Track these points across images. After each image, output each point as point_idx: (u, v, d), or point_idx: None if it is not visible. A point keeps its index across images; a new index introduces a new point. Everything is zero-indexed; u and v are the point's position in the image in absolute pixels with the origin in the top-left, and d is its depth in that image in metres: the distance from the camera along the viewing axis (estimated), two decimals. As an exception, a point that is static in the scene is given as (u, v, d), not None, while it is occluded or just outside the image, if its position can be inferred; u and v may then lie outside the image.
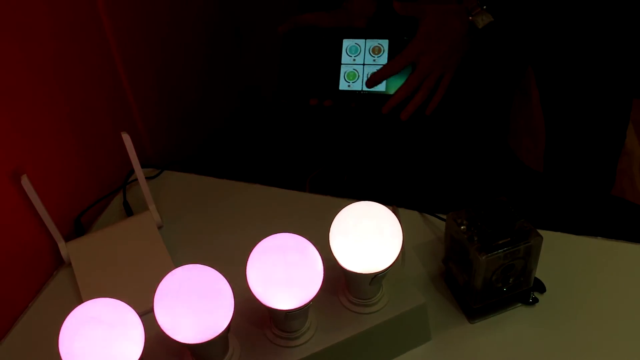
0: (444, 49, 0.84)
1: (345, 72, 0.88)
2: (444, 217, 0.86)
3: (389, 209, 0.63)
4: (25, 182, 0.75)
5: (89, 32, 0.88)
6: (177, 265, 0.82)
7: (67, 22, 0.83)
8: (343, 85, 0.88)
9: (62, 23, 0.82)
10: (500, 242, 0.67)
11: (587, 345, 0.71)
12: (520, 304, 0.75)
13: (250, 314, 0.68)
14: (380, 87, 0.87)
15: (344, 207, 0.64)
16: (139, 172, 0.84)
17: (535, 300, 0.75)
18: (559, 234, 0.83)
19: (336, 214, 0.64)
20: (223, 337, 0.60)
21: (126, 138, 0.80)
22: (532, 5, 0.85)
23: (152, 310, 0.58)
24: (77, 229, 0.89)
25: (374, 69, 0.87)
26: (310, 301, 0.60)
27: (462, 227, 0.70)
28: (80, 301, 0.62)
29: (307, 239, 0.61)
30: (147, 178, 0.89)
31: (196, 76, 1.19)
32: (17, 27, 0.74)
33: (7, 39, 0.73)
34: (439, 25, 0.83)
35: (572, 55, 0.98)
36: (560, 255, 0.81)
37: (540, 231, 0.69)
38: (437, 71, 0.85)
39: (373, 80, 0.85)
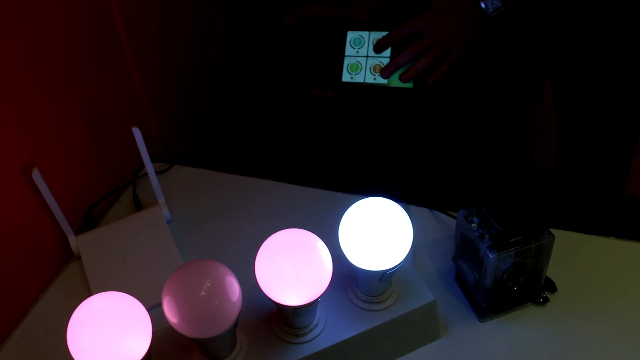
0: (452, 24, 0.85)
1: (348, 64, 0.88)
2: (455, 214, 0.85)
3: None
4: (36, 175, 0.75)
5: (101, 27, 0.88)
6: (185, 260, 0.83)
7: (80, 17, 0.83)
8: (346, 77, 0.88)
9: (75, 17, 0.82)
10: (511, 240, 0.67)
11: (597, 345, 0.70)
12: (530, 303, 0.75)
13: (258, 309, 0.68)
14: (383, 80, 0.87)
15: (353, 203, 0.63)
16: (149, 167, 0.84)
17: (546, 300, 0.75)
18: (570, 232, 0.83)
19: (345, 210, 0.63)
20: (231, 332, 0.60)
21: (136, 132, 0.80)
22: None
23: (160, 304, 0.58)
24: (87, 222, 0.89)
25: (377, 61, 0.87)
26: (319, 297, 0.60)
27: (472, 225, 0.69)
28: (89, 294, 0.62)
29: (316, 234, 0.61)
30: (157, 172, 0.90)
31: (207, 71, 1.19)
32: (29, 21, 0.74)
33: (18, 33, 0.73)
34: (450, 2, 0.85)
35: (587, 53, 0.97)
36: (572, 254, 0.80)
37: (551, 230, 0.68)
38: (443, 43, 0.86)
39: (380, 45, 0.87)
